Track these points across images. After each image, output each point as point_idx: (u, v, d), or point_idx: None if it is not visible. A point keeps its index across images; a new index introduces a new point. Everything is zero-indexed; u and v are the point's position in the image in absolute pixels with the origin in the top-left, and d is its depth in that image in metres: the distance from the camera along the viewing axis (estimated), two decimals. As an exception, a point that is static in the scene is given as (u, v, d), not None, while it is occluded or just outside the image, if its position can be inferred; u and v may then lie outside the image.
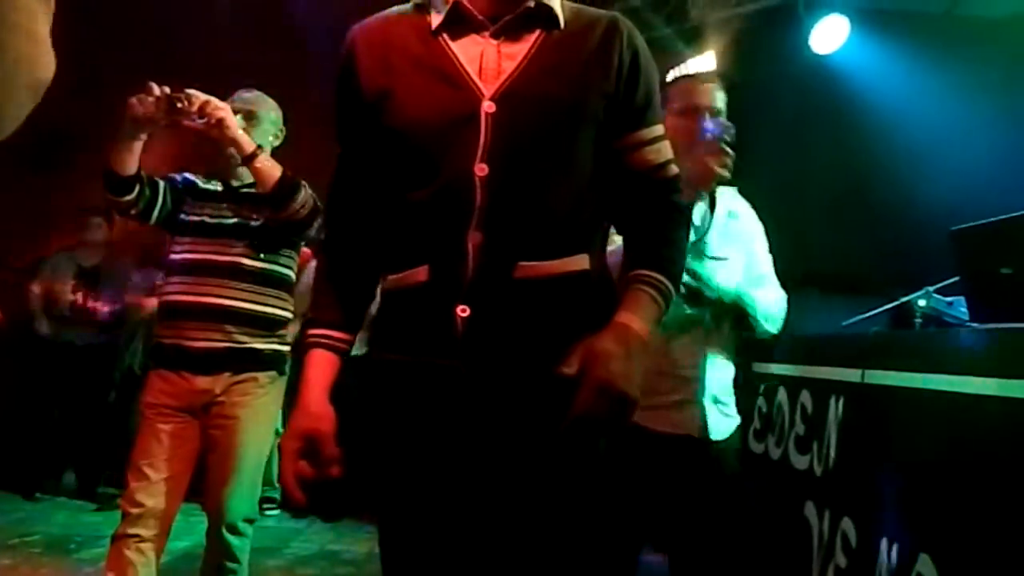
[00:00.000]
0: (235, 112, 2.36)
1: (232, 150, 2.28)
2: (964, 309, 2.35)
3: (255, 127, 2.41)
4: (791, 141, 2.96)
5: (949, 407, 1.81)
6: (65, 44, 0.82)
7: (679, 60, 4.44)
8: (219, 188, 2.42)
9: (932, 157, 4.52)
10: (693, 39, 4.72)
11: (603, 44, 1.24)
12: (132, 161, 2.26)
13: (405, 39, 1.24)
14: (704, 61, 4.57)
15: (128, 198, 2.29)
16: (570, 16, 1.27)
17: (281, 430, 2.41)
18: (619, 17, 1.29)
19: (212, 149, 2.36)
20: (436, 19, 1.23)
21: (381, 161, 1.24)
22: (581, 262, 1.21)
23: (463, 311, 1.15)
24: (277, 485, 4.56)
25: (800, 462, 2.58)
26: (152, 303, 4.41)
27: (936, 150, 4.50)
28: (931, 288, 2.55)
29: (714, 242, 1.92)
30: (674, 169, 1.30)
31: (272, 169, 2.25)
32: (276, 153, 2.44)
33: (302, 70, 5.09)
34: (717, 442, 1.95)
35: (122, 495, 2.29)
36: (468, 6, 1.23)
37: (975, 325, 2.19)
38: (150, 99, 2.14)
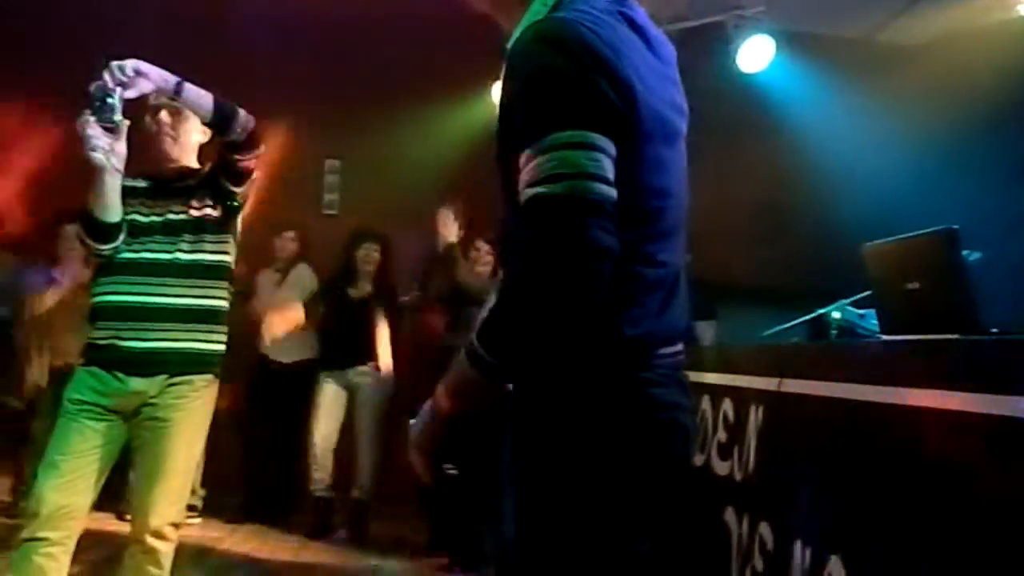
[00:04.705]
0: (160, 107, 2.33)
1: (159, 99, 2.24)
2: (875, 321, 2.46)
3: (181, 123, 2.37)
4: (715, 156, 3.06)
5: (859, 415, 1.90)
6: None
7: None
8: (146, 185, 2.36)
9: (849, 175, 4.72)
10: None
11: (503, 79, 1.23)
12: (117, 203, 2.20)
13: None
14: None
15: (112, 246, 2.24)
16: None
17: None
18: (516, 36, 1.24)
19: (144, 137, 2.31)
20: None
21: None
22: None
23: None
24: (200, 491, 4.46)
25: (721, 468, 2.67)
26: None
27: (853, 169, 4.70)
28: (845, 301, 2.67)
29: None
30: (529, 192, 1.10)
31: (205, 94, 2.19)
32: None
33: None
34: None
35: (27, 494, 2.20)
36: None
37: (884, 337, 2.30)
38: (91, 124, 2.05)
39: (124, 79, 2.05)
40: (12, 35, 5.16)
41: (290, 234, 4.81)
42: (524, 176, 1.12)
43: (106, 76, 2.04)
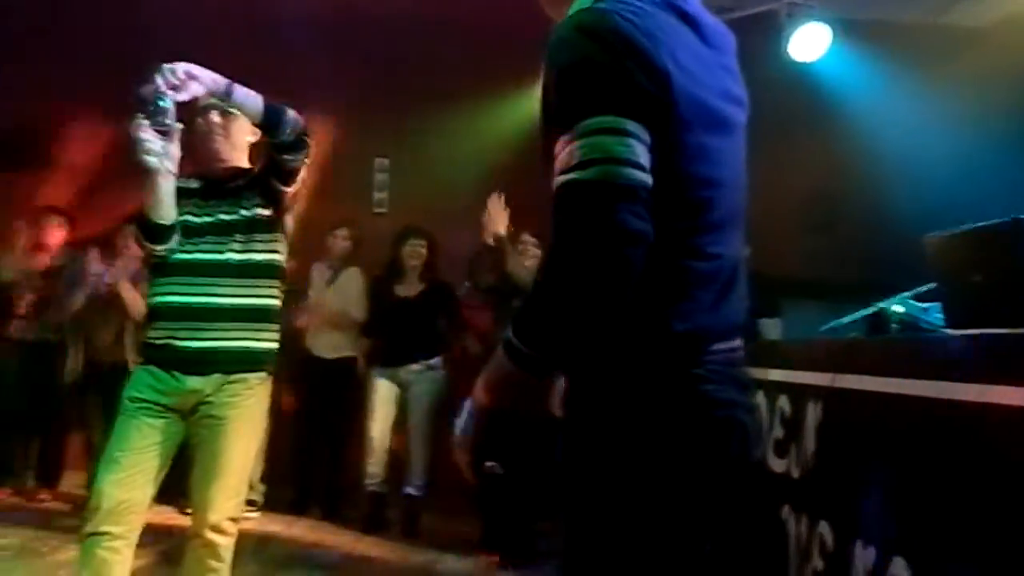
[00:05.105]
0: (211, 108, 2.37)
1: (209, 99, 2.27)
2: (939, 315, 2.38)
3: (231, 124, 2.41)
4: (769, 148, 2.99)
5: (924, 411, 1.84)
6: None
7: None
8: (198, 185, 2.41)
9: (909, 165, 4.58)
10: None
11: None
12: (171, 205, 2.24)
13: None
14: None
15: (166, 246, 2.29)
16: None
17: None
18: (554, 27, 1.22)
19: (195, 138, 2.35)
20: None
21: None
22: None
23: None
24: (259, 487, 4.55)
25: (778, 465, 2.61)
26: (133, 296, 4.39)
27: (913, 158, 4.56)
28: (907, 294, 2.59)
29: None
30: (560, 179, 1.11)
31: (255, 96, 2.22)
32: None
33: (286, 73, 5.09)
34: None
35: (90, 489, 2.24)
36: None
37: (950, 331, 2.22)
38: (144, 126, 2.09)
39: (176, 82, 2.08)
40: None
41: (343, 232, 4.88)
42: (558, 164, 1.11)
43: (158, 79, 2.08)
